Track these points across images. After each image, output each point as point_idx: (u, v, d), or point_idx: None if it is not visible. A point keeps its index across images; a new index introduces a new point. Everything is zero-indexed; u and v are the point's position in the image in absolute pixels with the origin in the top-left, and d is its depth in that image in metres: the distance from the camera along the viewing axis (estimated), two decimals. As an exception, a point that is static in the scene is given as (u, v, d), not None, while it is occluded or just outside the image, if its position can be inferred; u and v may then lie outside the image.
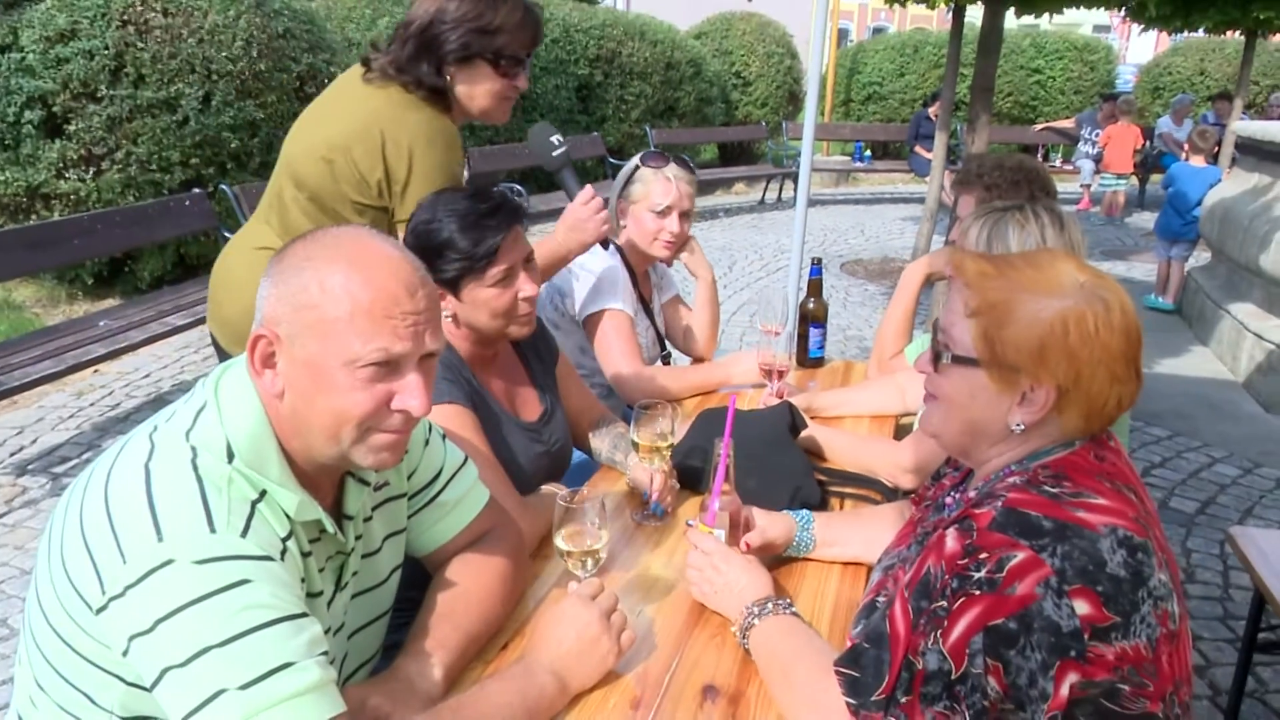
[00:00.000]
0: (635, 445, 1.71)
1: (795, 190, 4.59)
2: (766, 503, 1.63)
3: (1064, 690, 0.97)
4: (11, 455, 3.90)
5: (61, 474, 3.76)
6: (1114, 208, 10.63)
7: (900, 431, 2.22)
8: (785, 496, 1.75)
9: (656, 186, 2.37)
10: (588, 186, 2.09)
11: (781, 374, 2.25)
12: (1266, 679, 2.68)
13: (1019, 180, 2.11)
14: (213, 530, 0.97)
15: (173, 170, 5.72)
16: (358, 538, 1.21)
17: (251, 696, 0.92)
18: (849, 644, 1.14)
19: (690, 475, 1.85)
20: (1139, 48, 26.75)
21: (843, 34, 24.63)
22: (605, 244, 2.22)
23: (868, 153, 12.77)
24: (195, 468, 1.01)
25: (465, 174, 2.07)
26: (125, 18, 5.58)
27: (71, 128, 5.48)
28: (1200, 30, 8.32)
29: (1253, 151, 6.36)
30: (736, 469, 1.53)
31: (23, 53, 5.39)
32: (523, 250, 1.65)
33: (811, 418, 2.08)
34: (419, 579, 1.37)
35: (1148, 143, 11.14)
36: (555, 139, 2.08)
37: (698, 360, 2.70)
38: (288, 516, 1.06)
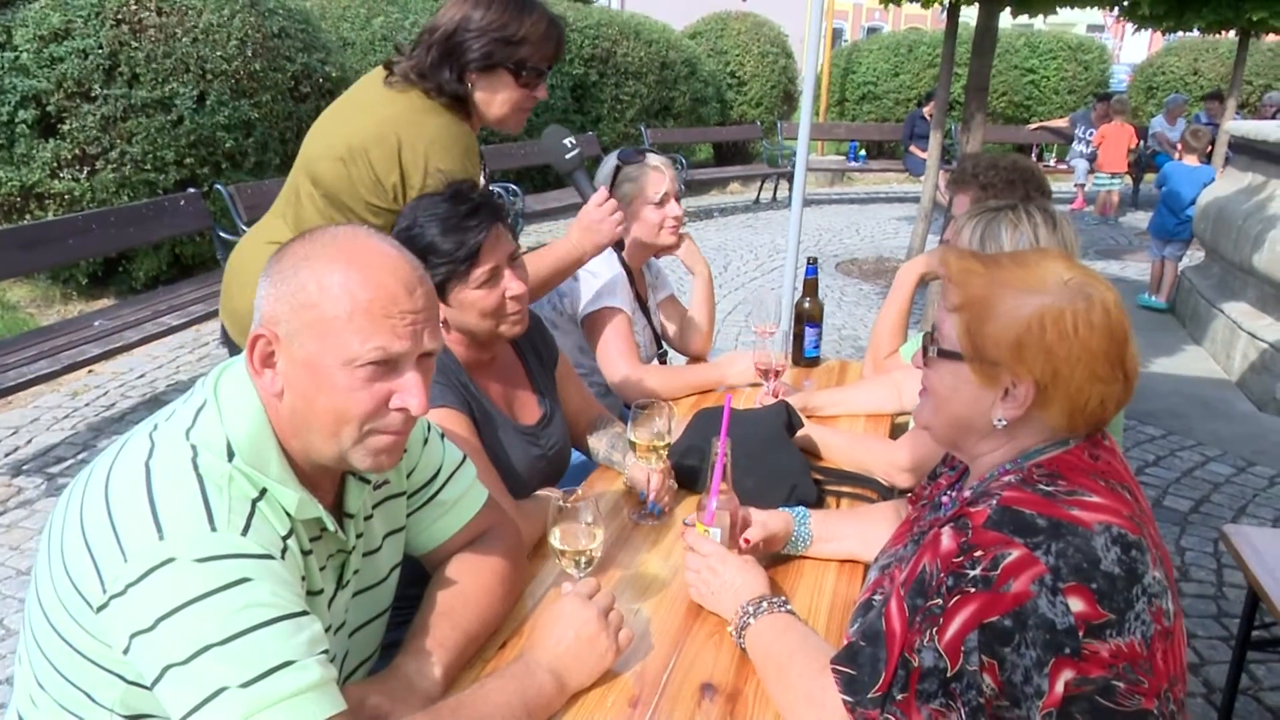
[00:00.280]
0: (633, 445, 1.71)
1: (790, 190, 4.60)
2: (763, 502, 1.64)
3: (1059, 687, 0.97)
4: (6, 456, 3.90)
5: (57, 474, 3.76)
6: (1108, 207, 10.66)
7: (896, 430, 2.23)
8: (782, 495, 1.76)
9: (648, 179, 2.40)
10: (601, 188, 2.10)
11: (778, 373, 2.26)
12: (1260, 676, 2.70)
13: (1014, 180, 2.12)
14: (213, 528, 0.97)
15: (167, 170, 5.71)
16: (359, 536, 1.21)
17: (252, 694, 0.93)
18: (845, 642, 1.15)
19: (687, 474, 1.85)
20: (1133, 47, 26.83)
21: (837, 33, 24.66)
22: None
23: (862, 152, 12.79)
24: (196, 466, 1.01)
25: (483, 180, 2.08)
26: (119, 17, 5.57)
27: (66, 127, 5.46)
28: (1194, 30, 8.34)
29: (1246, 151, 6.38)
30: (734, 468, 1.54)
31: (16, 52, 5.37)
32: (506, 249, 1.65)
33: (808, 417, 2.09)
34: (418, 577, 1.37)
35: (1141, 142, 11.17)
36: (568, 141, 2.10)
37: (694, 359, 2.71)
38: (288, 515, 1.06)
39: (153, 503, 0.97)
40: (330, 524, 1.13)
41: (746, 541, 1.50)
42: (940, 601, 1.01)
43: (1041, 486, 1.06)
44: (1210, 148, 8.11)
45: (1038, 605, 0.97)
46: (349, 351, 1.04)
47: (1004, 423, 1.12)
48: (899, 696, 1.03)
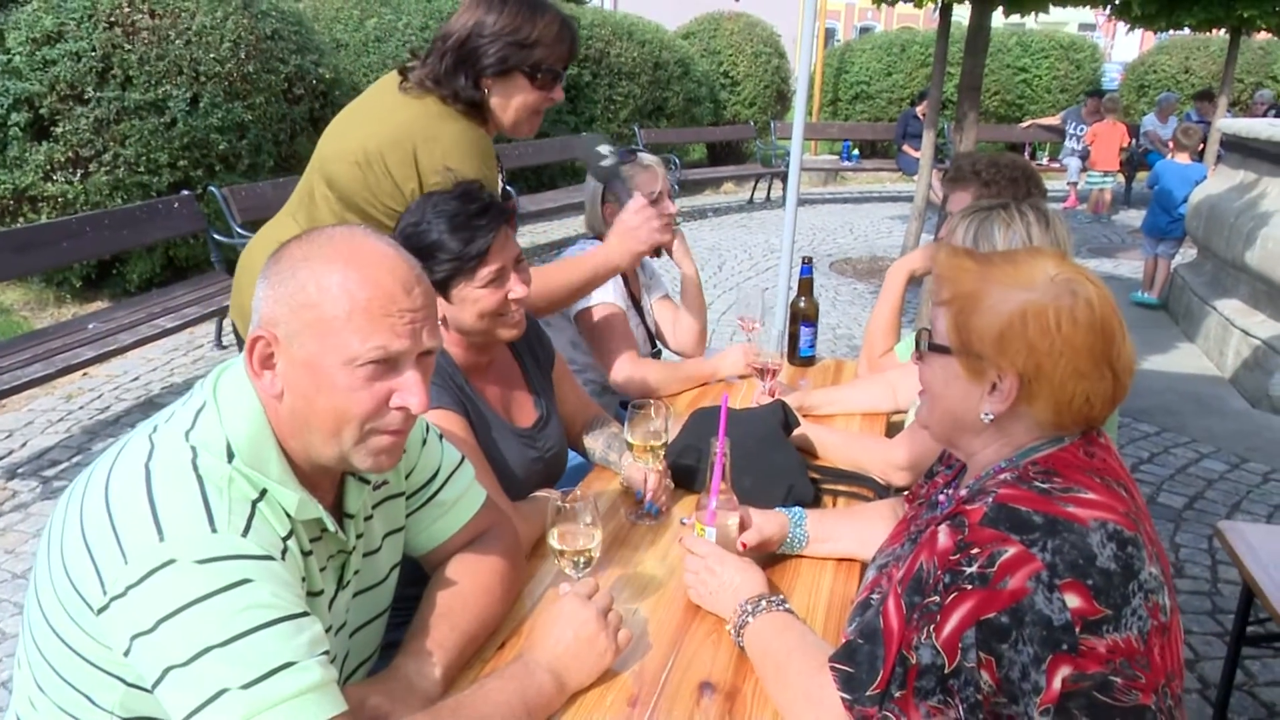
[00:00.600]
0: (629, 445, 1.72)
1: (784, 189, 4.61)
2: (760, 501, 1.64)
3: (1056, 683, 0.98)
4: (1, 459, 3.88)
5: (52, 477, 3.75)
6: (1100, 205, 10.70)
7: (892, 429, 2.23)
8: (779, 494, 1.76)
9: (642, 179, 2.42)
10: (638, 194, 2.10)
11: (774, 373, 2.27)
12: (1255, 672, 2.71)
13: (1016, 177, 2.13)
14: (214, 530, 0.98)
15: (161, 172, 5.69)
16: (359, 536, 1.22)
17: (253, 696, 0.93)
18: (843, 640, 1.15)
19: (684, 474, 1.86)
20: (1124, 46, 26.89)
21: (830, 33, 24.70)
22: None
23: (855, 152, 12.80)
24: (196, 468, 1.01)
25: (501, 182, 2.09)
26: (112, 19, 5.56)
27: (59, 130, 5.45)
28: (1185, 28, 8.37)
29: (1238, 149, 6.41)
30: (731, 467, 1.54)
31: (9, 55, 5.36)
32: (513, 251, 1.66)
33: (804, 416, 2.09)
34: (417, 577, 1.37)
35: (1134, 140, 11.21)
36: (604, 148, 2.12)
37: (688, 358, 2.71)
38: (288, 516, 1.06)
39: (153, 504, 0.98)
40: (330, 524, 1.13)
41: (744, 545, 1.51)
42: (937, 599, 1.01)
43: (1037, 484, 1.07)
44: (1202, 146, 8.13)
45: (1034, 602, 0.97)
46: (349, 351, 1.04)
47: (990, 417, 1.13)
48: (897, 694, 1.03)
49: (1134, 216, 10.04)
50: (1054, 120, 12.51)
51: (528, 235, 8.54)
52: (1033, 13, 5.97)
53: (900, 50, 14.23)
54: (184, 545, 0.96)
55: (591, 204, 2.49)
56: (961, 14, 6.29)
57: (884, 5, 6.67)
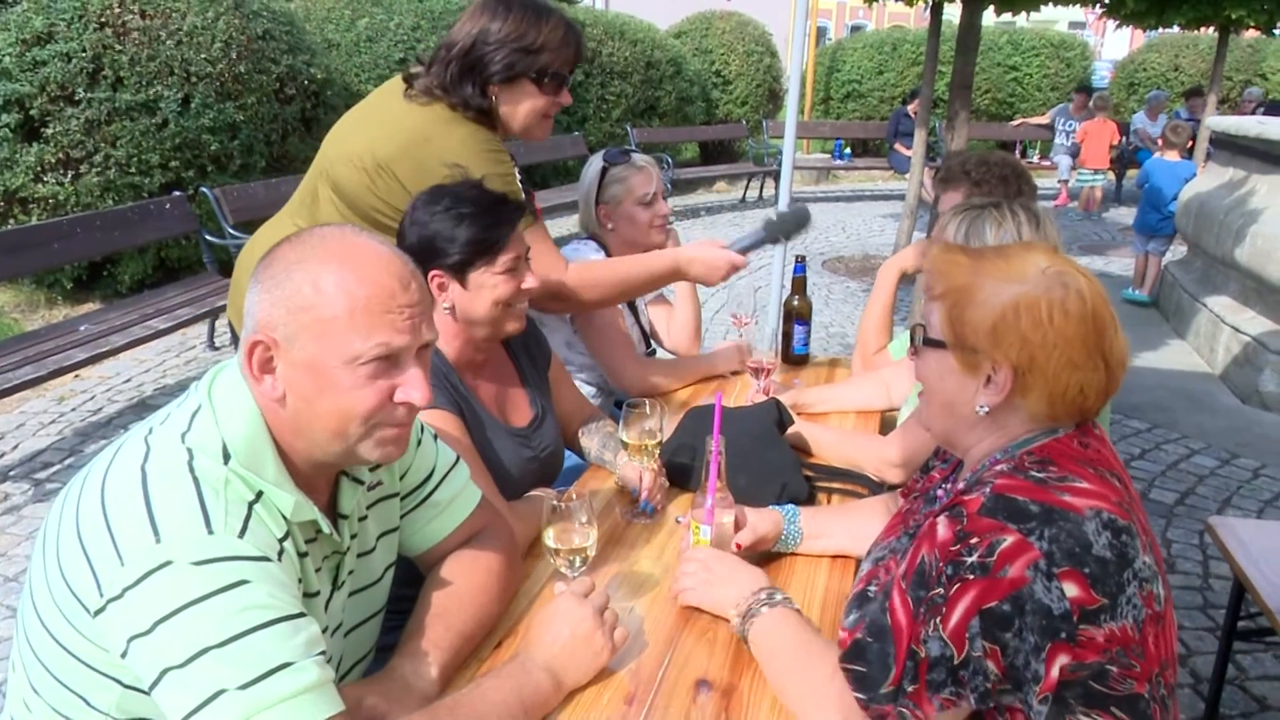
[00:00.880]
0: (624, 444, 1.72)
1: (776, 188, 4.62)
2: (755, 499, 1.65)
3: (1054, 672, 0.99)
4: (-8, 462, 3.87)
5: (44, 480, 3.73)
6: (1091, 203, 10.74)
7: (885, 426, 2.24)
8: (773, 492, 1.77)
9: (636, 180, 2.42)
10: (741, 256, 2.18)
11: (768, 371, 2.27)
12: (1246, 666, 2.73)
13: (1007, 175, 2.13)
14: (210, 531, 0.98)
15: (152, 173, 5.67)
16: (353, 536, 1.22)
17: (251, 696, 0.93)
18: (842, 634, 1.16)
19: (679, 473, 1.86)
20: (1114, 44, 27.01)
21: (821, 32, 24.72)
22: (605, 248, 2.38)
23: (848, 150, 12.83)
24: (192, 469, 1.01)
25: (518, 179, 2.10)
26: (103, 20, 5.53)
27: (49, 131, 5.42)
28: (1174, 26, 8.41)
29: (1227, 146, 6.44)
30: (726, 466, 1.55)
31: (-2, 55, 5.34)
32: (523, 244, 1.72)
33: (798, 414, 2.10)
34: (412, 577, 1.38)
35: (1124, 138, 11.26)
36: (774, 215, 2.23)
37: (683, 357, 2.72)
38: (284, 517, 1.07)
39: (149, 506, 0.97)
40: (325, 526, 1.13)
41: (739, 546, 1.51)
42: (942, 591, 1.02)
43: (1033, 473, 1.08)
44: (1191, 143, 8.18)
45: (1034, 591, 0.98)
46: (351, 350, 1.05)
47: (985, 409, 1.14)
48: (910, 689, 1.04)
49: (1125, 214, 10.08)
50: (1043, 119, 12.57)
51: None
52: (1023, 11, 5.98)
53: (892, 49, 14.26)
54: (180, 547, 0.96)
55: (585, 204, 2.49)
56: (952, 12, 6.30)
57: (875, 4, 6.68)
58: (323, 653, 1.01)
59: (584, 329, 2.39)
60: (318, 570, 1.14)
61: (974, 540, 1.02)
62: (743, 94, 12.95)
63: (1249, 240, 5.20)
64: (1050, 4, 6.00)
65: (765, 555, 1.60)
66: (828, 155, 13.36)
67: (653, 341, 2.74)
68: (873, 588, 1.24)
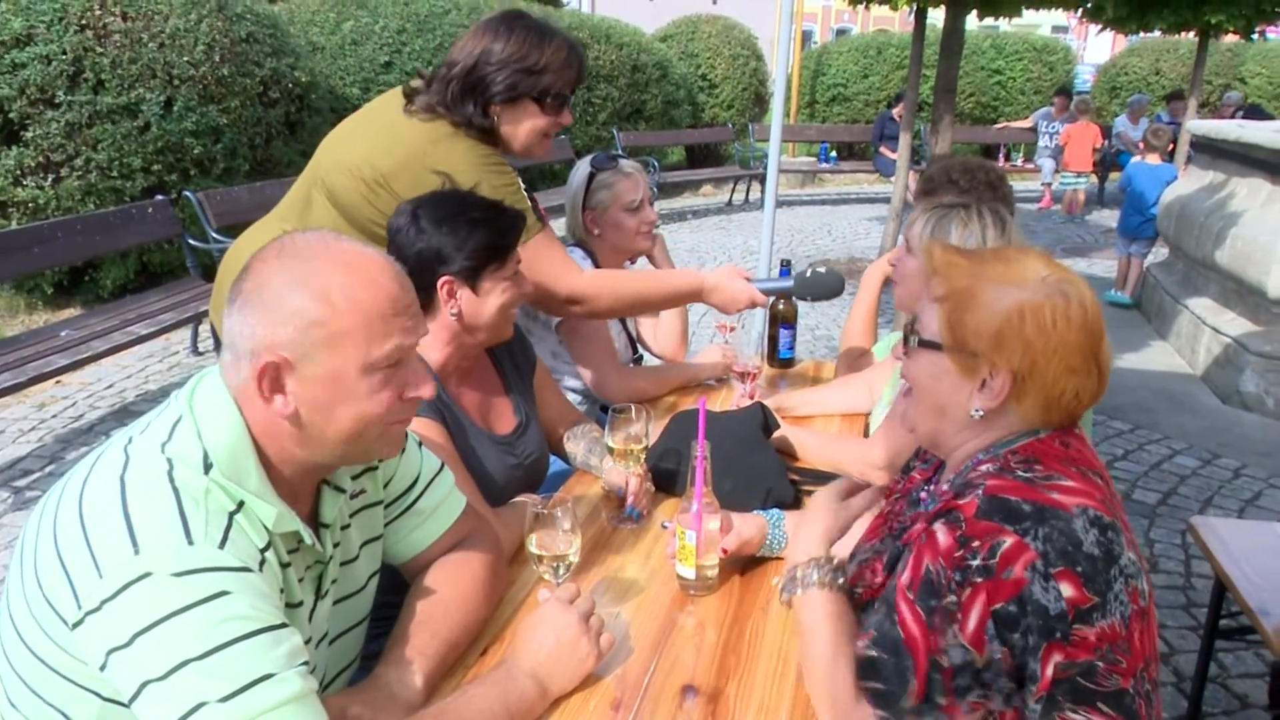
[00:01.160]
0: (610, 449, 1.72)
1: (762, 191, 4.63)
2: (741, 503, 1.65)
3: (1049, 670, 1.00)
4: (-28, 469, 3.83)
5: (24, 487, 3.69)
6: (1074, 205, 10.83)
7: (870, 429, 2.25)
8: (759, 497, 1.77)
9: (623, 187, 2.41)
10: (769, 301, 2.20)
11: (753, 376, 2.28)
12: (1228, 664, 2.75)
13: (993, 181, 2.15)
14: (190, 542, 0.96)
15: (134, 177, 5.63)
16: (336, 545, 1.21)
17: (232, 708, 0.92)
18: (858, 647, 1.13)
19: (665, 478, 1.86)
20: (1096, 48, 27.23)
21: (806, 36, 24.83)
22: (592, 254, 2.41)
23: (833, 154, 12.87)
24: (171, 480, 1.00)
25: (523, 189, 2.11)
26: (84, 22, 5.49)
27: (29, 134, 5.38)
28: (1155, 31, 8.48)
29: (1207, 150, 6.50)
30: (711, 470, 1.55)
31: (-23, 59, 5.29)
32: (518, 252, 1.74)
33: (783, 418, 2.10)
34: (397, 585, 1.37)
35: (1106, 142, 11.35)
36: (809, 273, 2.23)
37: (670, 361, 2.72)
38: (266, 527, 1.06)
39: (128, 517, 0.96)
40: (308, 537, 1.12)
41: (724, 551, 1.51)
42: (954, 598, 1.02)
43: (1020, 472, 1.08)
44: (1172, 146, 8.24)
45: (1033, 591, 0.99)
46: (368, 358, 1.07)
47: (980, 413, 1.14)
48: (941, 701, 1.03)
49: (1107, 216, 10.16)
50: (1026, 123, 12.67)
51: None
52: (1006, 15, 6.02)
53: (877, 52, 14.33)
54: (160, 558, 0.95)
55: (572, 209, 2.49)
56: (936, 16, 6.33)
57: (860, 8, 6.70)
58: (305, 663, 1.00)
59: (569, 337, 2.38)
60: (301, 580, 1.13)
61: (975, 543, 1.02)
62: (729, 97, 12.98)
63: (1229, 242, 5.25)
64: (1033, 8, 6.05)
65: (751, 560, 1.59)
66: (813, 158, 13.40)
67: (639, 346, 2.74)
68: (859, 589, 1.24)
